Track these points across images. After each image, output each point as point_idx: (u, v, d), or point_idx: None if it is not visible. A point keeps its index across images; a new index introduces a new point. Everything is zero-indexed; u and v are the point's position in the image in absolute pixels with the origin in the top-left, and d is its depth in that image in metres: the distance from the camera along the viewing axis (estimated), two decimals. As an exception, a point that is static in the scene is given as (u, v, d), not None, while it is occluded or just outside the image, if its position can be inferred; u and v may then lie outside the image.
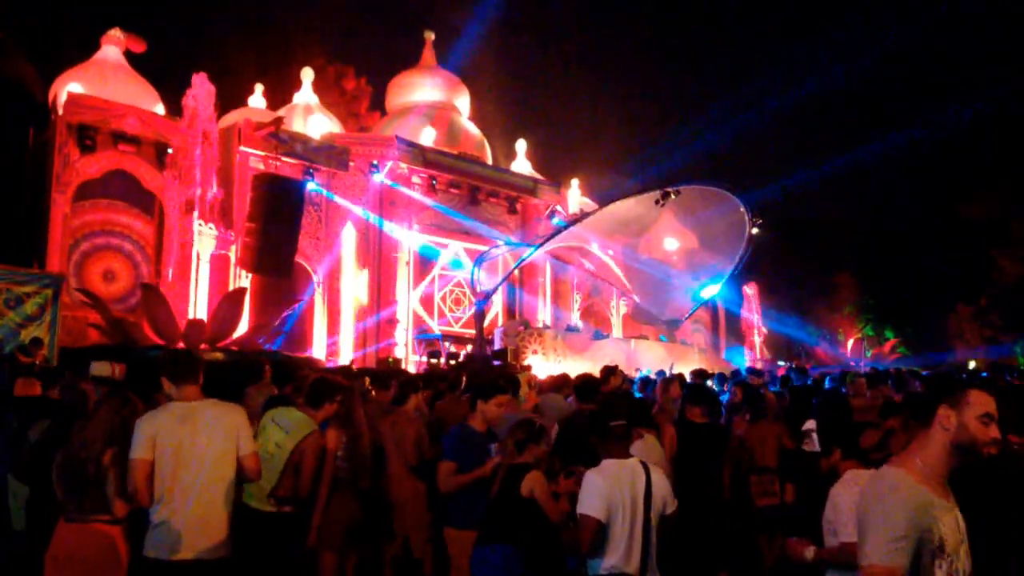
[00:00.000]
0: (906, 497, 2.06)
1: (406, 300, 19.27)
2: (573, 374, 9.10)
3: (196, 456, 3.29)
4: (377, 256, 18.98)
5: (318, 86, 22.49)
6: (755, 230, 20.34)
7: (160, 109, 16.78)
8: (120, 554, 3.46)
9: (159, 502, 3.26)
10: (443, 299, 20.95)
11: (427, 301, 20.52)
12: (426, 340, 18.90)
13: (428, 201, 19.83)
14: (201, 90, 15.26)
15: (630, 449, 3.37)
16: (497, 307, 21.64)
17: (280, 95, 21.67)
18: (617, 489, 3.08)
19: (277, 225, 15.81)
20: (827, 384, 8.61)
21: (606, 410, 3.34)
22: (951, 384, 2.21)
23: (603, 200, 21.37)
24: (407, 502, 5.06)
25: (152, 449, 3.24)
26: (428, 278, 20.55)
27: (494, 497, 3.69)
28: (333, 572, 4.55)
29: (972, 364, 27.33)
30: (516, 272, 20.56)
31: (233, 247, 16.42)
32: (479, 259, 19.82)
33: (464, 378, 8.11)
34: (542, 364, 15.86)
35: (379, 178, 18.84)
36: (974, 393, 2.13)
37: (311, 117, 20.44)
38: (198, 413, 3.37)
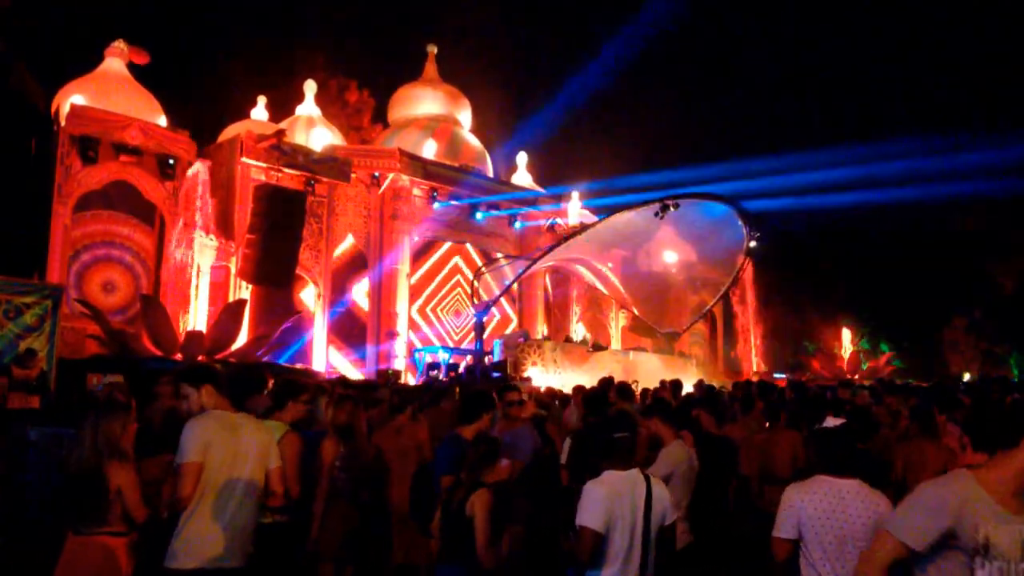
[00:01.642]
0: (957, 488, 2.24)
1: (406, 312, 19.30)
2: (572, 385, 9.16)
3: (240, 466, 3.38)
4: (378, 268, 19.03)
5: (320, 99, 22.64)
6: (753, 243, 20.41)
7: (162, 121, 16.87)
8: (120, 567, 3.45)
9: (195, 508, 3.26)
10: (443, 311, 21.00)
11: (427, 313, 20.56)
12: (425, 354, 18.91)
13: (432, 209, 19.90)
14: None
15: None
16: (497, 319, 21.68)
17: (282, 107, 21.84)
18: (617, 500, 3.09)
19: (278, 236, 15.87)
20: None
21: (610, 422, 3.38)
22: None
23: (603, 212, 21.45)
24: (405, 515, 5.06)
25: (204, 455, 3.27)
26: (428, 289, 20.60)
27: (452, 513, 3.61)
28: (331, 584, 4.55)
29: (967, 376, 27.34)
30: (516, 284, 20.60)
31: (233, 258, 16.46)
32: (479, 271, 19.87)
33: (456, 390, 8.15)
34: (541, 376, 15.88)
35: (380, 190, 18.95)
36: None
37: (313, 129, 20.56)
38: (240, 425, 3.46)
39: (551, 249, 19.38)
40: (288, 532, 4.03)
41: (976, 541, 2.18)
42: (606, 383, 7.52)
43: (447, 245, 20.91)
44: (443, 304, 21.03)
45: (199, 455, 3.25)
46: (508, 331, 20.86)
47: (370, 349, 18.63)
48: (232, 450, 3.36)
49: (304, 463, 4.55)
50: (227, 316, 15.00)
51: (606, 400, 5.65)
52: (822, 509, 2.86)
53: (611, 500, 3.07)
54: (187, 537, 3.25)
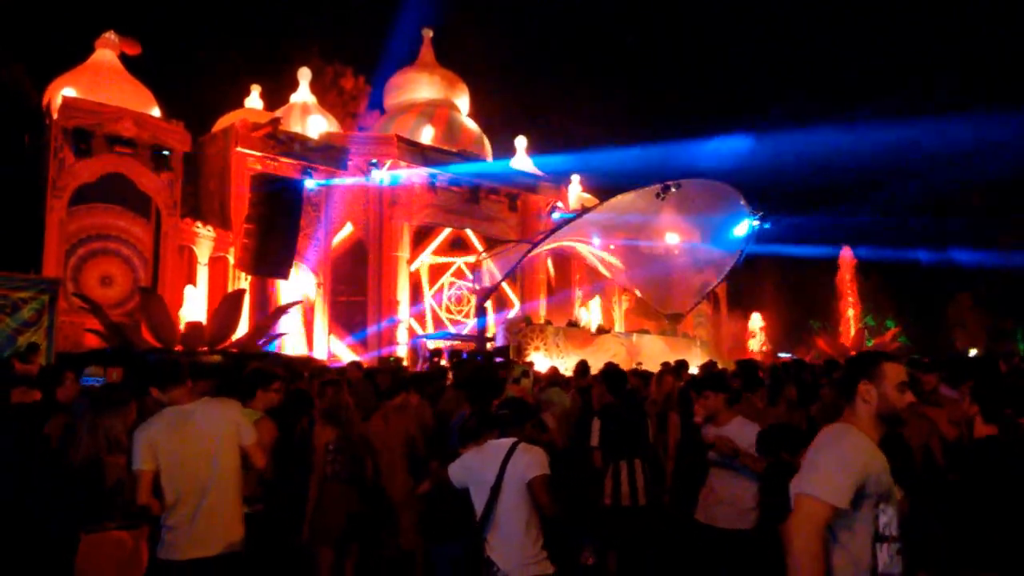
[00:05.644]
0: (857, 440, 2.26)
1: (407, 299, 19.20)
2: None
3: (200, 456, 3.30)
4: (378, 256, 18.90)
5: (316, 86, 22.40)
6: (755, 223, 20.25)
7: (156, 112, 16.70)
8: (137, 559, 3.47)
9: (173, 507, 3.25)
10: (444, 296, 20.91)
11: (428, 299, 20.47)
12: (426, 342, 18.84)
13: (431, 195, 19.72)
14: None
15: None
16: (499, 304, 21.58)
17: (277, 96, 21.58)
18: (476, 465, 3.47)
19: (275, 226, 15.73)
20: None
21: (503, 404, 3.77)
22: (867, 361, 2.42)
23: (604, 195, 21.26)
24: (401, 500, 4.96)
25: (154, 459, 3.24)
26: (428, 275, 20.50)
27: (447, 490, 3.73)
28: (330, 568, 4.48)
29: (973, 352, 27.17)
30: (517, 268, 20.47)
31: (231, 249, 16.35)
32: (480, 256, 19.75)
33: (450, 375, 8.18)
34: (544, 360, 15.80)
35: (378, 176, 18.75)
36: (888, 366, 2.37)
37: (309, 117, 20.35)
38: (190, 415, 3.37)
39: (552, 232, 19.23)
40: (264, 521, 3.94)
41: (882, 487, 2.25)
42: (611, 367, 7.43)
43: (447, 231, 20.77)
44: (444, 290, 20.92)
45: (145, 462, 3.24)
46: (510, 316, 20.77)
47: (370, 336, 18.55)
48: (185, 442, 3.30)
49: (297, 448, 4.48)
50: (227, 307, 14.91)
51: (624, 378, 5.64)
52: None
53: (469, 466, 3.51)
54: (168, 531, 3.28)
